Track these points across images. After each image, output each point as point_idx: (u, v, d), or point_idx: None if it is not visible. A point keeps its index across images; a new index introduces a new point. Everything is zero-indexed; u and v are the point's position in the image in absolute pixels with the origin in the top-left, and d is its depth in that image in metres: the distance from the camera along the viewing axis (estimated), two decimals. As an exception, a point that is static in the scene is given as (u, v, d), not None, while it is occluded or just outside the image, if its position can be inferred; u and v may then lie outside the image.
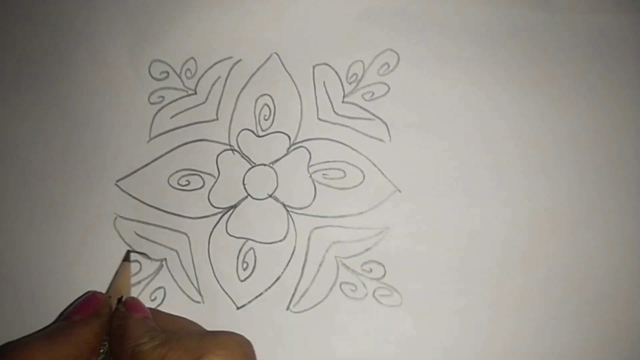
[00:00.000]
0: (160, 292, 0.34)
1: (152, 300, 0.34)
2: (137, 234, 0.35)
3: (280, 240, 0.35)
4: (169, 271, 0.35)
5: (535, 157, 0.34)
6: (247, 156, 0.36)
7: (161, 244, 0.35)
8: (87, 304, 0.30)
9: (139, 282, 0.35)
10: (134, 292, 0.34)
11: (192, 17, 0.37)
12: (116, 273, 0.34)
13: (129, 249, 0.35)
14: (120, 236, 0.35)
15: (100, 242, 0.35)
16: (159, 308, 0.34)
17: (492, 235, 0.34)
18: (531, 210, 0.34)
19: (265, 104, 0.37)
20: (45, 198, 0.36)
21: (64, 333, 0.27)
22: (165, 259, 0.35)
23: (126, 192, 0.36)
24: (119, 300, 0.32)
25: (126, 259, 0.34)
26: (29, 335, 0.30)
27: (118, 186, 0.36)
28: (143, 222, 0.36)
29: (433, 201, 0.34)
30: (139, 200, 0.36)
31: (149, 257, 0.35)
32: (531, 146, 0.34)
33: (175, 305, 0.34)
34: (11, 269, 0.35)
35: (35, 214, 0.36)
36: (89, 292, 0.32)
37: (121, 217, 0.36)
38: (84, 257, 0.35)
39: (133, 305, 0.30)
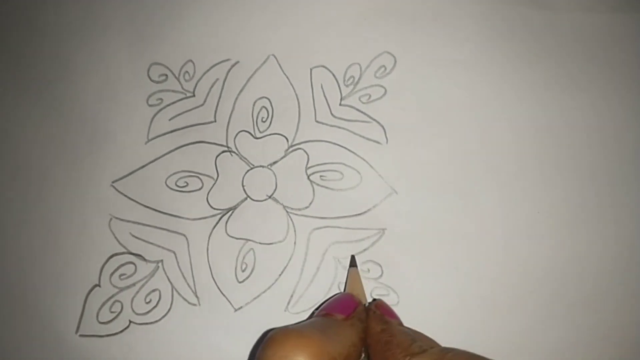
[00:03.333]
0: (155, 295, 0.34)
1: (147, 303, 0.34)
2: (133, 235, 0.35)
3: (280, 241, 0.35)
4: (165, 273, 0.34)
5: (531, 159, 0.35)
6: (245, 158, 0.36)
7: (158, 245, 0.35)
8: (348, 304, 0.28)
9: (133, 285, 0.34)
10: (130, 294, 0.34)
11: (191, 20, 0.38)
12: (347, 280, 0.33)
13: (353, 254, 0.34)
14: (115, 237, 0.35)
15: (94, 243, 0.35)
16: (154, 311, 0.34)
17: (487, 235, 0.34)
18: (526, 212, 0.34)
19: (263, 107, 0.37)
20: (41, 198, 0.36)
21: (336, 332, 0.25)
22: (162, 261, 0.35)
23: (122, 193, 0.36)
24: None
25: (352, 264, 0.33)
26: (295, 325, 0.26)
27: (114, 187, 0.36)
28: (139, 224, 0.35)
29: (429, 202, 0.35)
30: (135, 202, 0.36)
31: (144, 259, 0.35)
32: (526, 148, 0.35)
33: (171, 308, 0.34)
34: (5, 269, 0.34)
35: (30, 214, 0.35)
36: (340, 293, 0.31)
37: (116, 218, 0.35)
38: (78, 258, 0.35)
39: (389, 310, 0.28)
